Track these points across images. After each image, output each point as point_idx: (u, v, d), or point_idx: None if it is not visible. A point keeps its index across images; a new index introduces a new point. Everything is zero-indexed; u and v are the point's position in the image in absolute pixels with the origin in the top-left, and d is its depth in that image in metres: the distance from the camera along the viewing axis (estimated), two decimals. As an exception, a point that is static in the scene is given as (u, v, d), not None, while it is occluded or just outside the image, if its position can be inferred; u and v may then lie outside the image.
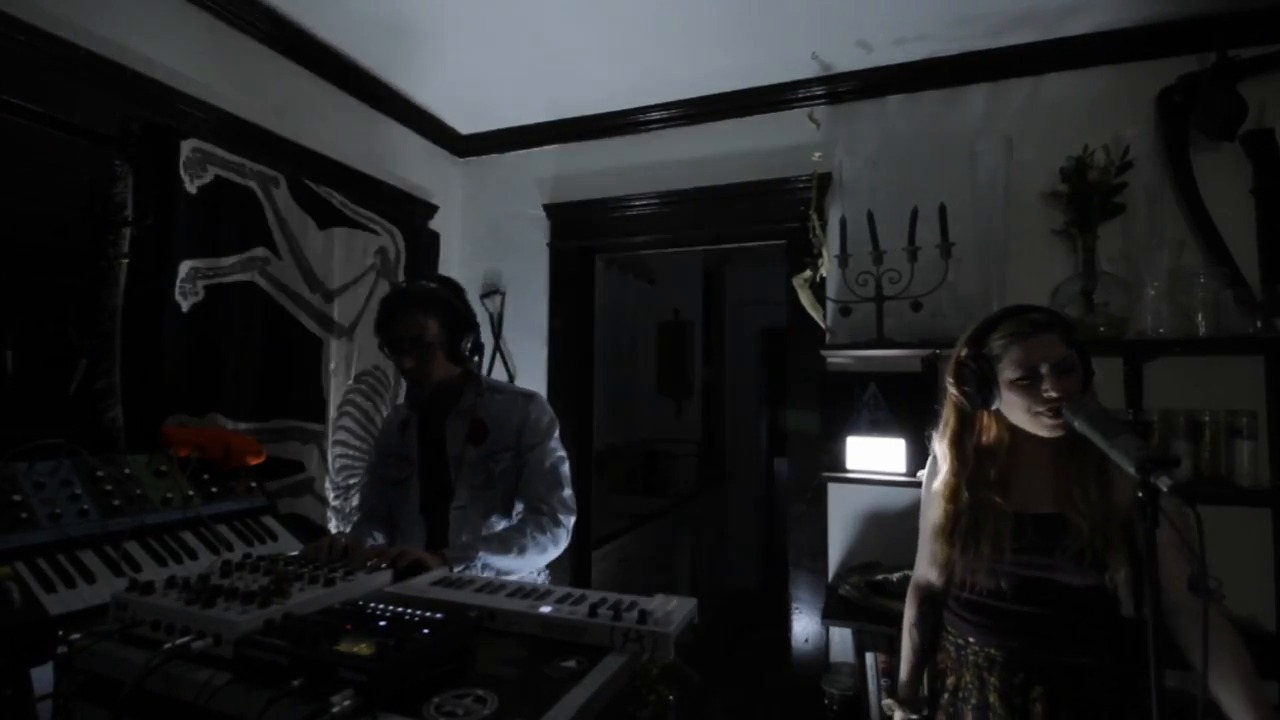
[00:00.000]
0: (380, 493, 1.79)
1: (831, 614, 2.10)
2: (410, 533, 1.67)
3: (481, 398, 1.69)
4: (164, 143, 1.74)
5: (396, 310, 1.62)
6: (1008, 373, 1.25)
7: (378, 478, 1.81)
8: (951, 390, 1.35)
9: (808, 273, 2.31)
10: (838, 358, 2.34)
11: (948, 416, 1.38)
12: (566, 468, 1.70)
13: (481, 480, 1.64)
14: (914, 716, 1.44)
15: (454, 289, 1.72)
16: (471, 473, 1.64)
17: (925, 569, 1.47)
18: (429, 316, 1.61)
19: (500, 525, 1.63)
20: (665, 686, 0.90)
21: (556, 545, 1.59)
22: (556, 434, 1.72)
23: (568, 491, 1.67)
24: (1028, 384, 1.23)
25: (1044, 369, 1.22)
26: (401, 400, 2.54)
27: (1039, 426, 1.24)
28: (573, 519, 1.65)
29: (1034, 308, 1.33)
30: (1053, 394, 1.20)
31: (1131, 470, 0.96)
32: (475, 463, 1.64)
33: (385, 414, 2.47)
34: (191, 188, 1.78)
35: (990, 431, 1.34)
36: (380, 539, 1.71)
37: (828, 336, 2.35)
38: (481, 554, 1.44)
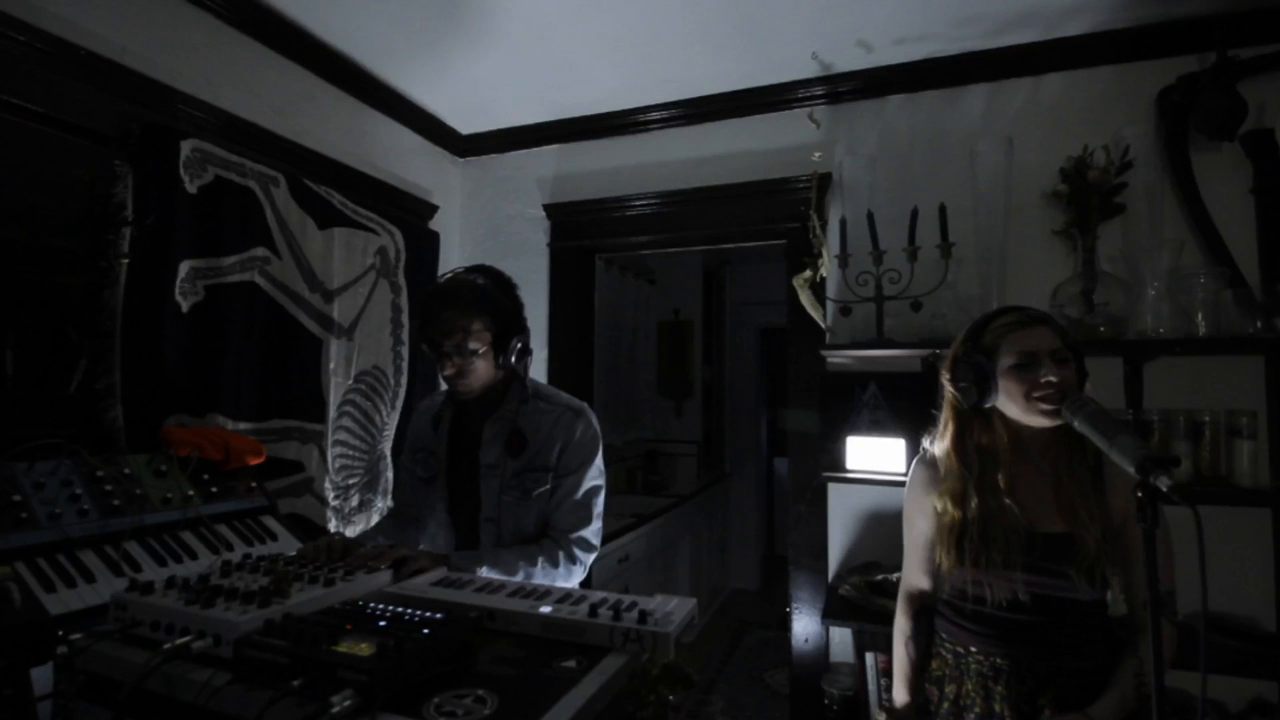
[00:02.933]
0: (409, 489, 1.70)
1: (831, 614, 2.10)
2: (438, 536, 1.60)
3: (525, 404, 1.56)
4: (164, 143, 1.74)
5: (440, 307, 1.46)
6: (1006, 359, 1.26)
7: (405, 470, 1.72)
8: (948, 388, 1.34)
9: (808, 273, 2.31)
10: (838, 358, 2.34)
11: (946, 419, 1.37)
12: (600, 499, 1.57)
13: (515, 497, 1.52)
14: None
15: (504, 287, 1.56)
16: (505, 487, 1.52)
17: (918, 578, 1.45)
18: (474, 320, 1.45)
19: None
20: (665, 686, 0.90)
21: (568, 580, 1.49)
22: (599, 457, 1.58)
23: (595, 526, 1.54)
24: (1026, 369, 1.23)
25: (1042, 355, 1.23)
26: (406, 400, 2.55)
27: (1035, 415, 1.23)
28: (592, 556, 1.54)
29: (1029, 308, 1.34)
30: (1052, 378, 1.21)
31: (1131, 470, 0.96)
32: (510, 477, 1.53)
33: (384, 414, 2.47)
34: (191, 188, 1.78)
35: (987, 434, 1.33)
36: (381, 540, 1.63)
37: (828, 336, 2.35)
38: (485, 570, 1.37)
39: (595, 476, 1.57)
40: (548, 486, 1.53)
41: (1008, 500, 1.28)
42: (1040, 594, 1.24)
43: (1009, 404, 1.27)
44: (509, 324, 1.52)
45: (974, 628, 1.30)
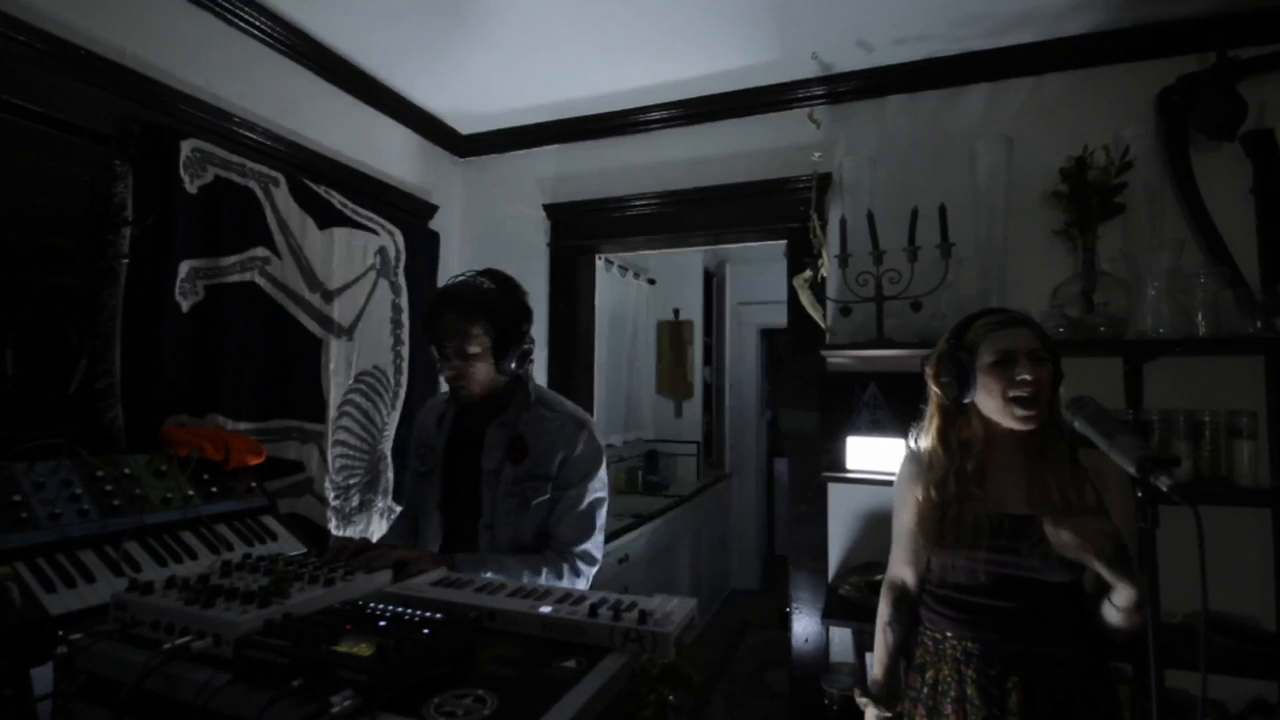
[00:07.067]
0: (409, 484, 1.74)
1: (831, 614, 2.10)
2: (428, 531, 1.62)
3: (527, 411, 1.56)
4: (164, 143, 1.74)
5: (443, 309, 1.50)
6: (985, 358, 1.31)
7: (409, 467, 1.76)
8: (931, 385, 1.41)
9: (808, 273, 2.31)
10: (838, 358, 2.34)
11: (932, 413, 1.43)
12: (603, 512, 1.57)
13: (514, 504, 1.52)
14: (887, 714, 1.47)
15: (510, 293, 1.57)
16: (506, 494, 1.52)
17: (900, 568, 1.51)
18: (474, 323, 1.48)
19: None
20: (665, 686, 0.90)
21: None
22: (601, 470, 1.57)
23: (597, 540, 1.54)
24: (1003, 368, 1.29)
25: (1019, 354, 1.29)
26: (406, 400, 2.56)
27: (1010, 417, 1.29)
28: (594, 570, 1.54)
29: (1011, 309, 1.41)
30: (1026, 377, 1.26)
31: (1131, 470, 0.96)
32: (510, 484, 1.52)
33: (384, 414, 2.47)
34: (191, 188, 1.78)
35: (967, 429, 1.39)
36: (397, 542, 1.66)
37: (828, 336, 2.35)
38: (488, 576, 1.35)
39: (598, 489, 1.56)
40: (547, 496, 1.52)
41: (974, 489, 1.34)
42: (1001, 573, 1.29)
43: (987, 400, 1.33)
44: (510, 329, 1.52)
45: (950, 613, 1.35)
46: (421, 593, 1.10)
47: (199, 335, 1.80)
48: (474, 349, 1.48)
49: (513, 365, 1.52)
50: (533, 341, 1.58)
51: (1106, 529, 1.16)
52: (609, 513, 1.62)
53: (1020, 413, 1.27)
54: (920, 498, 1.40)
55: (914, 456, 1.48)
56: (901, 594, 1.50)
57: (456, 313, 1.48)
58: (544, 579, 1.44)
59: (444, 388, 1.66)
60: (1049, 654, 1.25)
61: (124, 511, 1.32)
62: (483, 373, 1.51)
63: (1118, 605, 1.19)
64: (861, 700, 1.53)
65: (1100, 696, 1.26)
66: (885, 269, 2.13)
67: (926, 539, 1.37)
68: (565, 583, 1.47)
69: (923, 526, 1.38)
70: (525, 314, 1.58)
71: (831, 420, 2.30)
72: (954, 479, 1.36)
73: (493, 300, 1.52)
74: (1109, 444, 1.04)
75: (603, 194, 2.80)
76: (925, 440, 1.44)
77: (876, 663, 1.53)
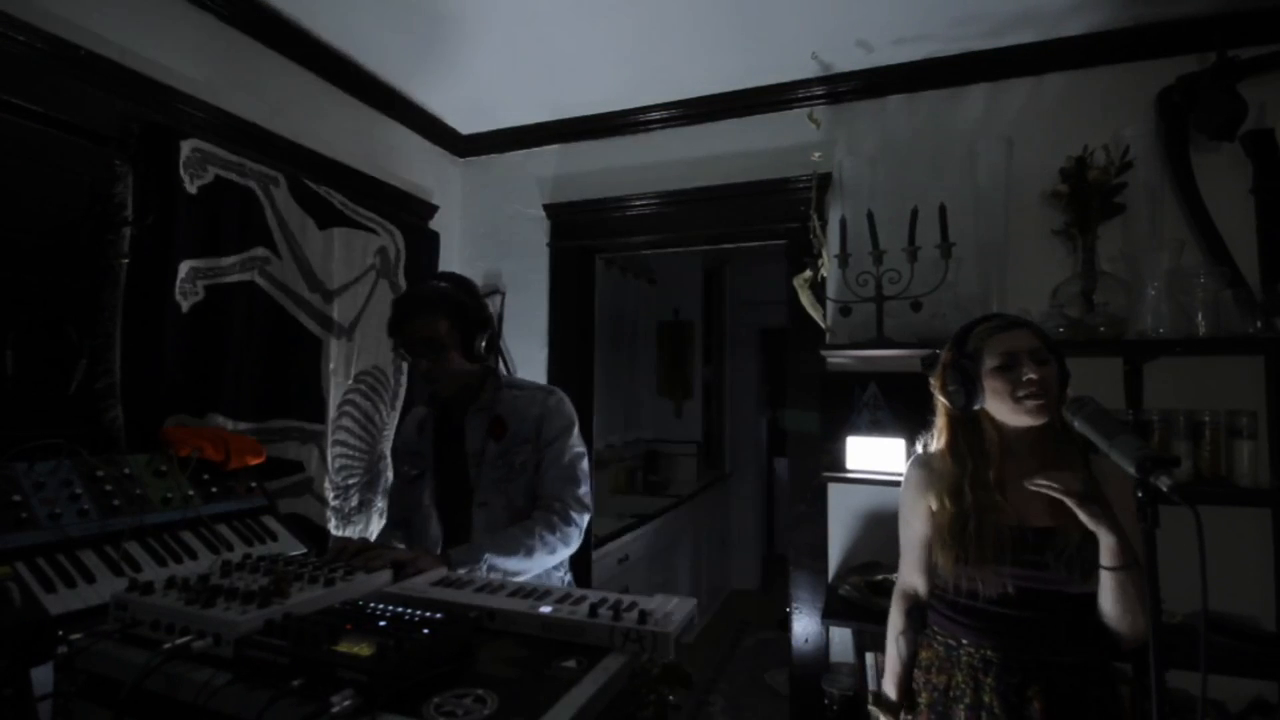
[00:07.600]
0: (398, 493, 1.80)
1: (831, 614, 2.10)
2: (425, 530, 1.65)
3: (500, 393, 1.67)
4: (164, 143, 1.74)
5: (408, 313, 1.60)
6: (989, 362, 1.31)
7: (396, 474, 1.83)
8: (939, 396, 1.40)
9: (808, 273, 2.31)
10: (838, 358, 2.34)
11: (941, 425, 1.43)
12: (585, 464, 1.66)
13: (502, 474, 1.61)
14: None
15: (465, 287, 1.69)
16: (492, 468, 1.62)
17: (913, 577, 1.48)
18: (440, 317, 1.57)
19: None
20: (665, 686, 0.90)
21: (567, 544, 1.55)
22: (576, 429, 1.68)
23: (584, 488, 1.63)
24: (1008, 369, 1.29)
25: (1022, 356, 1.29)
26: (406, 400, 2.57)
27: (1022, 413, 1.28)
28: (587, 516, 1.61)
29: (1007, 314, 1.42)
30: (1032, 376, 1.26)
31: (1131, 470, 0.96)
32: (496, 458, 1.62)
33: (384, 414, 2.48)
34: (191, 188, 1.78)
35: (981, 436, 1.37)
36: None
37: (828, 336, 2.35)
38: (488, 556, 1.40)
39: (577, 444, 1.66)
40: (529, 457, 1.62)
41: (998, 496, 1.32)
42: (1028, 587, 1.27)
43: (996, 404, 1.32)
44: (472, 317, 1.61)
45: (965, 620, 1.33)
46: (421, 593, 1.10)
47: (199, 335, 1.80)
48: (441, 340, 1.57)
49: (481, 351, 1.61)
50: (495, 327, 1.68)
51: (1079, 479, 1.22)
52: (606, 501, 1.66)
53: (1031, 404, 1.27)
54: (935, 508, 1.38)
55: (923, 463, 1.46)
56: (914, 603, 1.48)
57: (421, 310, 1.58)
58: (539, 537, 1.49)
59: None
60: (1067, 662, 1.25)
61: (124, 511, 1.31)
62: (455, 363, 1.60)
63: (1107, 564, 1.19)
64: (872, 709, 1.50)
65: (1110, 701, 1.26)
66: (885, 269, 2.13)
67: (946, 551, 1.34)
68: (559, 532, 1.52)
69: (941, 539, 1.35)
70: (483, 305, 1.68)
71: (831, 420, 2.30)
72: (970, 488, 1.33)
73: (451, 294, 1.62)
74: (1109, 444, 1.04)
75: (603, 194, 2.80)
76: (935, 450, 1.42)
77: (890, 675, 1.49)
